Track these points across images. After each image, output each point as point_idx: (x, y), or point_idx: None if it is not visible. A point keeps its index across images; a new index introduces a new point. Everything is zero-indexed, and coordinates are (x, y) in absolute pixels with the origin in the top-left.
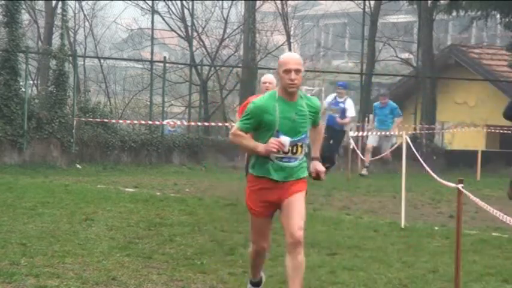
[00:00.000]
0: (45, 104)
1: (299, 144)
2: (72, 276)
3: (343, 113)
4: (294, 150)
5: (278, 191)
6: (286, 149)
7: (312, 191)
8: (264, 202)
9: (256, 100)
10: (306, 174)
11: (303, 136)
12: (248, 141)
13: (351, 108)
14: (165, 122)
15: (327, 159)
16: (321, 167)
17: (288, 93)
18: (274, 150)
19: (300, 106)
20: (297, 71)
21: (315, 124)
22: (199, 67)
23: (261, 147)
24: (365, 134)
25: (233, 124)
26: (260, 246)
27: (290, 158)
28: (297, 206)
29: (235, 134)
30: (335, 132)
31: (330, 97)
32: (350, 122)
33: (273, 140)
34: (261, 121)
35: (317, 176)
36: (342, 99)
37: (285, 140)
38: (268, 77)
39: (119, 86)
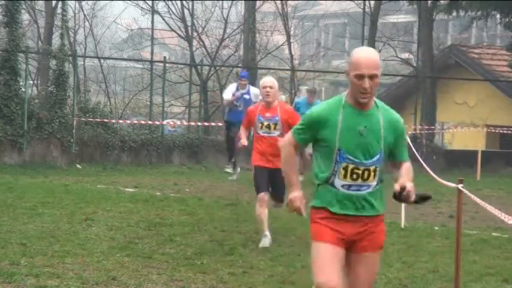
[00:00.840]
0: (45, 104)
1: (371, 168)
2: (72, 276)
3: (246, 104)
4: (365, 176)
5: (351, 226)
6: (302, 215)
7: (312, 191)
8: (335, 230)
9: (316, 107)
10: (383, 209)
11: (375, 158)
12: (291, 170)
13: (257, 97)
14: (165, 122)
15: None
16: (410, 184)
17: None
18: (289, 208)
19: (374, 117)
20: (373, 76)
21: (396, 157)
22: (199, 67)
23: (293, 191)
24: None
25: None
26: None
27: (360, 185)
28: (367, 273)
29: (285, 145)
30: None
31: (233, 87)
32: None
33: (294, 197)
34: (317, 134)
35: (401, 192)
36: (244, 90)
37: (300, 204)
38: (268, 80)
39: (119, 86)
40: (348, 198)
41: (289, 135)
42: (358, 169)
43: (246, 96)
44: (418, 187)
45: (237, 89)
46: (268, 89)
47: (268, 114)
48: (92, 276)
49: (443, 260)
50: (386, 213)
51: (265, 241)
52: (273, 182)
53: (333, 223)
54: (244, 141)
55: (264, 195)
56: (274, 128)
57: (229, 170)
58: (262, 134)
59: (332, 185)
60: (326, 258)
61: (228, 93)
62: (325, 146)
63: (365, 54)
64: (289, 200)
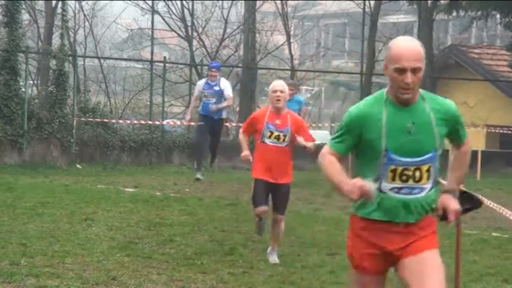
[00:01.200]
0: (45, 104)
1: (423, 167)
2: (72, 276)
3: (219, 97)
4: (417, 177)
5: (398, 238)
6: (372, 199)
7: (312, 191)
8: (375, 253)
9: (354, 107)
10: (433, 211)
11: (428, 156)
12: (334, 172)
13: (228, 88)
14: (165, 122)
15: (469, 199)
16: (453, 204)
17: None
18: (354, 196)
19: (421, 111)
20: (416, 70)
21: (455, 141)
22: (199, 67)
23: (346, 186)
24: None
25: (233, 124)
26: None
27: (412, 187)
28: (431, 274)
29: (324, 156)
30: (212, 122)
31: (201, 82)
32: (229, 105)
33: (357, 182)
34: (360, 137)
35: (445, 216)
36: (214, 82)
37: (370, 187)
38: (279, 84)
39: (119, 86)
40: (397, 204)
41: (325, 148)
42: (409, 170)
43: (216, 88)
44: None
45: (206, 83)
46: (278, 94)
47: (278, 122)
48: (92, 276)
49: (444, 260)
50: None
51: (262, 231)
52: (275, 196)
53: (377, 236)
54: (247, 155)
55: (261, 209)
56: (284, 140)
57: (200, 176)
58: (268, 143)
59: (378, 189)
60: None
61: (196, 91)
62: (369, 149)
63: (406, 45)
64: (351, 186)
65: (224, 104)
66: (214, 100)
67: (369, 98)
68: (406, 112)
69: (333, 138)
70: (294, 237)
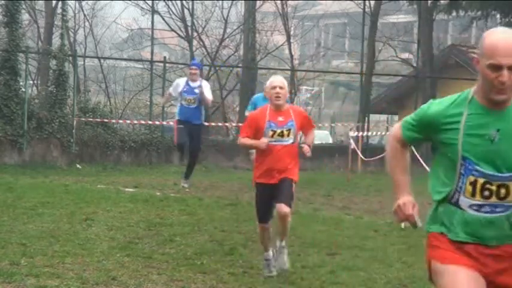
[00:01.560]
0: (45, 104)
1: (510, 184)
2: (72, 276)
3: (199, 101)
4: (502, 194)
5: (489, 260)
6: (418, 224)
7: (312, 191)
8: (470, 259)
9: (434, 104)
10: None
11: None
12: (397, 168)
13: (209, 91)
14: (165, 122)
15: None
16: None
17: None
18: (395, 218)
19: (510, 118)
20: None
21: None
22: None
23: (401, 195)
24: (365, 134)
25: (233, 124)
26: None
27: (494, 205)
28: None
29: (392, 139)
30: (191, 128)
31: (181, 81)
32: (208, 103)
33: (408, 205)
34: (433, 138)
35: None
36: (196, 84)
37: (416, 220)
38: (278, 80)
39: (119, 86)
40: (479, 223)
41: (396, 127)
42: (491, 184)
43: (196, 91)
44: (419, 187)
45: (187, 83)
46: (278, 90)
47: (280, 119)
48: (92, 276)
49: None
50: (387, 213)
51: (272, 270)
52: (276, 190)
53: (465, 254)
54: (263, 141)
55: (265, 225)
56: (288, 135)
57: (186, 185)
58: (271, 143)
59: (456, 204)
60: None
61: (175, 89)
62: (446, 154)
63: (503, 38)
64: (398, 207)
65: (207, 100)
66: (195, 105)
67: (452, 97)
68: (491, 116)
69: (406, 122)
70: (294, 237)
